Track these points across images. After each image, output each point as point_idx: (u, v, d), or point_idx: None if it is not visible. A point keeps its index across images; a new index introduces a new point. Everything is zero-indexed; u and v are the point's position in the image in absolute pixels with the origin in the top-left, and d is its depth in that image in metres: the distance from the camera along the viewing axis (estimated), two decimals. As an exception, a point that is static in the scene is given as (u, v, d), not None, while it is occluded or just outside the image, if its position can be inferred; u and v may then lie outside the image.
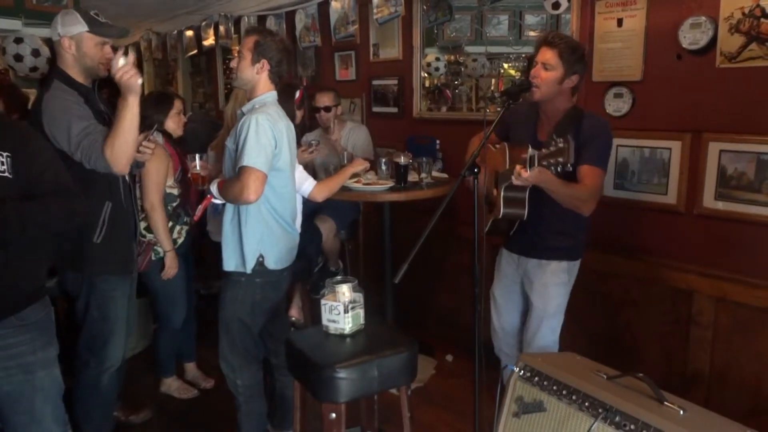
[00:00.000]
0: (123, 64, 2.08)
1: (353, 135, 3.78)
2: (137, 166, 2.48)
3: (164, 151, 2.90)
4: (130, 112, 2.13)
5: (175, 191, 2.96)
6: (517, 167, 2.03)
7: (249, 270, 2.37)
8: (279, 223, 2.40)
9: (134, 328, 2.83)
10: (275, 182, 2.33)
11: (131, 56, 2.12)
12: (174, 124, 3.03)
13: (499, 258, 2.66)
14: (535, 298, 2.47)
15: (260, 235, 2.36)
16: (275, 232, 2.40)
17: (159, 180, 2.84)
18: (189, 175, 2.68)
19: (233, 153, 2.31)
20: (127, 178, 2.45)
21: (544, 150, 1.93)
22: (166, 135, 2.98)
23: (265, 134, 2.22)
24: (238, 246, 2.37)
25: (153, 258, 2.91)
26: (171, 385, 3.34)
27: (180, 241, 3.03)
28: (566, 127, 2.27)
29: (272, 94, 2.39)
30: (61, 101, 2.20)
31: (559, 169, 1.89)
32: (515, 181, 2.06)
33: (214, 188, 2.37)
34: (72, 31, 2.24)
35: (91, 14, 2.29)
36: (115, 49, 2.26)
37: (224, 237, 2.42)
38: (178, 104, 3.07)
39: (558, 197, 2.21)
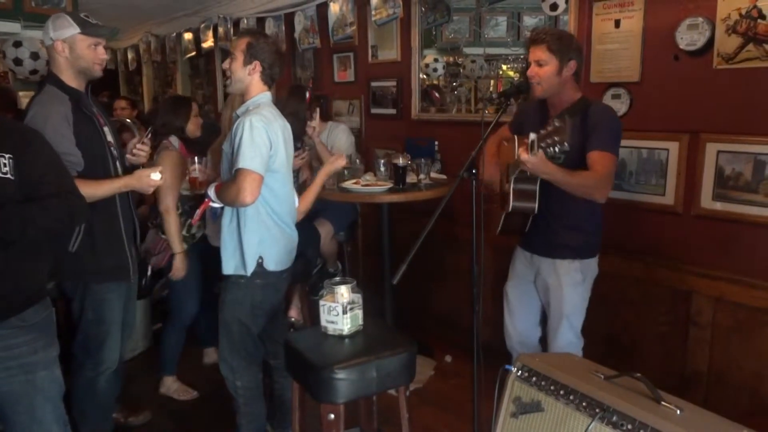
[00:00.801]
0: (157, 179, 2.32)
1: (333, 134, 3.76)
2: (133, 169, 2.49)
3: (179, 155, 2.99)
4: (116, 188, 2.29)
5: (191, 193, 3.01)
6: (519, 150, 2.03)
7: (249, 272, 2.37)
8: (278, 224, 2.41)
9: (133, 329, 2.83)
10: (272, 183, 2.34)
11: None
12: (194, 126, 3.13)
13: (515, 256, 2.66)
14: (551, 299, 2.47)
15: (259, 237, 2.36)
16: (274, 234, 2.40)
17: (173, 184, 2.92)
18: (187, 179, 2.71)
19: (229, 156, 2.32)
20: None
21: (542, 131, 1.93)
22: (183, 138, 3.03)
23: (260, 135, 2.22)
24: (237, 249, 2.37)
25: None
26: (171, 386, 3.34)
27: (199, 235, 3.09)
28: (571, 114, 2.27)
29: (266, 95, 2.39)
30: (45, 109, 2.20)
31: (557, 149, 1.89)
32: (523, 166, 2.06)
33: (211, 192, 2.37)
34: (64, 34, 2.25)
35: (81, 16, 2.31)
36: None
37: (223, 240, 2.42)
38: (194, 107, 3.20)
39: (567, 187, 2.20)
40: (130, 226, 2.48)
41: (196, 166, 2.58)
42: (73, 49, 2.26)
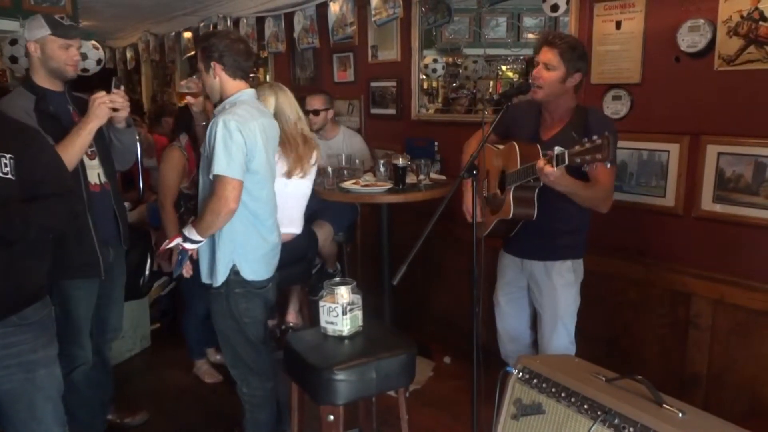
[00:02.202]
0: (100, 95, 2.23)
1: (349, 142, 3.78)
2: (129, 125, 2.48)
3: (181, 154, 3.05)
4: (81, 132, 2.21)
5: (192, 192, 3.04)
6: (540, 163, 2.03)
7: (219, 282, 2.30)
8: (257, 230, 2.32)
9: (119, 330, 2.81)
10: (251, 185, 2.24)
11: (121, 90, 2.32)
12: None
13: (500, 262, 2.64)
14: (545, 302, 2.45)
15: (234, 245, 2.28)
16: (252, 242, 2.31)
17: (170, 182, 3.03)
18: (186, 178, 2.72)
19: (207, 157, 2.24)
20: (101, 179, 2.43)
21: (578, 147, 1.93)
22: (193, 138, 3.07)
23: (232, 137, 2.14)
24: (211, 257, 2.31)
25: None
26: (201, 368, 3.49)
27: None
28: (581, 126, 2.27)
29: (246, 93, 2.32)
30: (7, 108, 2.20)
31: (585, 168, 1.92)
32: (543, 178, 2.06)
33: (187, 230, 2.24)
34: (36, 35, 2.29)
35: (55, 18, 2.34)
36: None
37: (200, 250, 2.35)
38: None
39: (578, 199, 2.22)
40: (106, 224, 2.45)
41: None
42: (44, 49, 2.30)
